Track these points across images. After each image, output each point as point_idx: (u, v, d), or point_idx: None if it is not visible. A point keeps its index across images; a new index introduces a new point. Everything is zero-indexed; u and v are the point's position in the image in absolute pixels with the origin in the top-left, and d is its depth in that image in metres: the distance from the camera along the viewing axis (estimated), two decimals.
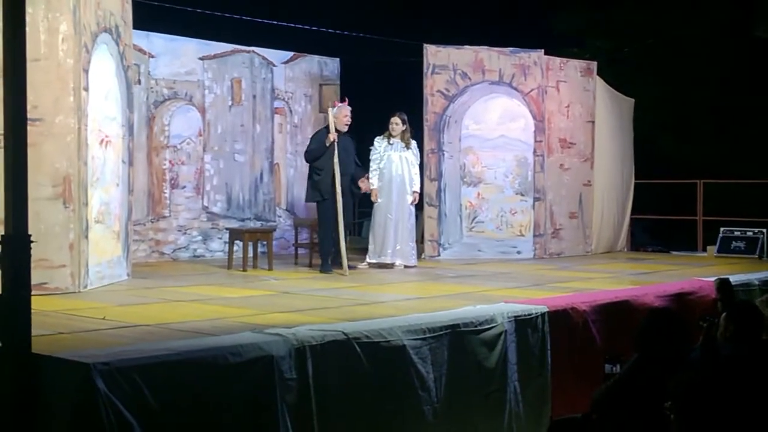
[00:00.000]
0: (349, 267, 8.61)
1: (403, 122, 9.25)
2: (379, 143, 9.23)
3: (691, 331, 4.22)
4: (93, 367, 3.91)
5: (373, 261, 9.20)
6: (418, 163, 9.46)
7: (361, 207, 9.59)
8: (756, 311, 4.39)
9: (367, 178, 9.08)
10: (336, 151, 8.62)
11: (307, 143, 9.20)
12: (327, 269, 8.66)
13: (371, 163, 9.17)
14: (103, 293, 6.93)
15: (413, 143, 9.40)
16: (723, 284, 6.08)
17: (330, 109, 8.98)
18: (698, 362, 4.21)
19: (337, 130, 8.78)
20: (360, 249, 10.15)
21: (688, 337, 4.09)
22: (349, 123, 8.90)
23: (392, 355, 5.04)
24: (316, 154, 8.78)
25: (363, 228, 13.30)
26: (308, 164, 8.95)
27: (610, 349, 5.91)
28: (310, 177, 8.92)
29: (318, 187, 8.75)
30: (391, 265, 9.13)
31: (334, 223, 8.58)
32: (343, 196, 8.61)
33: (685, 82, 11.92)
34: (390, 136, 9.22)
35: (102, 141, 7.63)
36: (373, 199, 9.17)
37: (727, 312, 4.49)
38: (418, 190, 9.42)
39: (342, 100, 9.14)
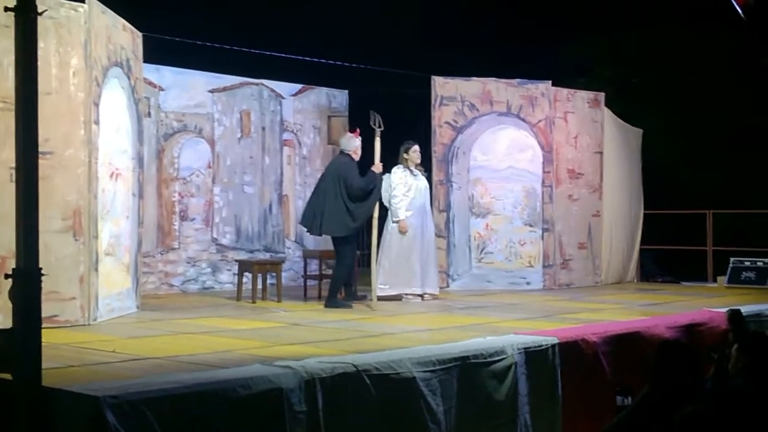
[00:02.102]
0: (364, 298, 8.62)
1: None
2: (402, 174, 9.10)
3: (702, 363, 4.19)
4: (103, 400, 3.91)
5: (394, 293, 8.97)
6: None
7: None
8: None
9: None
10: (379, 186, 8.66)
11: (352, 177, 8.60)
12: (336, 304, 8.50)
13: (394, 194, 8.98)
14: (113, 326, 6.93)
15: (425, 172, 9.49)
16: (735, 315, 6.04)
17: (376, 135, 8.66)
18: (709, 395, 4.18)
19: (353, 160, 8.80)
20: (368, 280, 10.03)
21: (700, 369, 4.07)
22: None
23: (402, 387, 5.02)
24: (373, 187, 8.61)
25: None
26: (345, 196, 8.57)
27: (620, 380, 5.87)
28: (346, 210, 8.55)
29: (358, 220, 8.59)
30: (420, 296, 9.09)
31: (353, 259, 8.53)
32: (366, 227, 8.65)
33: (693, 111, 11.94)
34: (409, 166, 9.19)
35: (112, 174, 7.67)
36: (402, 230, 8.99)
37: (738, 344, 4.46)
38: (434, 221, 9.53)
39: (374, 123, 8.75)
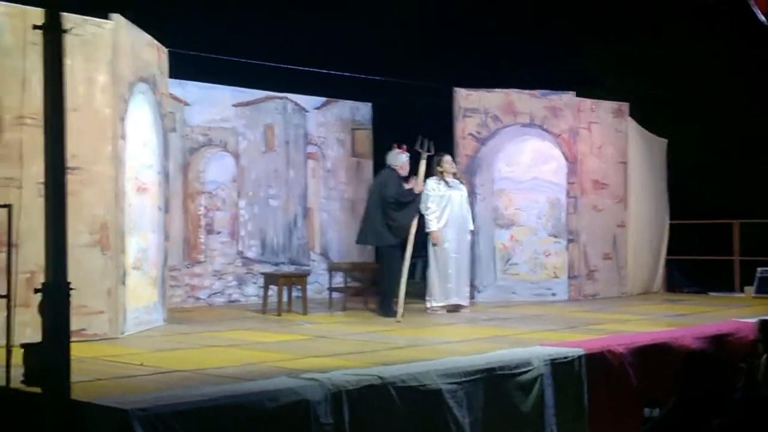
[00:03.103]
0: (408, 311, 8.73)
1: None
2: (437, 185, 9.15)
3: (731, 373, 4.16)
4: (131, 413, 3.94)
5: (438, 305, 9.11)
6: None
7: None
8: None
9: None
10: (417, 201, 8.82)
11: (384, 188, 8.93)
12: (390, 313, 8.58)
13: (428, 206, 9.04)
14: (141, 339, 6.98)
15: (464, 181, 9.55)
16: (765, 325, 5.98)
17: (422, 158, 8.92)
18: (738, 406, 4.15)
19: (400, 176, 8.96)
20: (413, 293, 9.81)
21: (729, 379, 4.04)
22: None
23: (428, 399, 5.02)
24: (407, 199, 8.86)
25: (415, 270, 13.20)
26: (381, 207, 8.88)
27: (648, 392, 5.83)
28: (383, 221, 8.87)
29: (394, 232, 8.82)
30: (457, 307, 9.11)
31: (400, 268, 8.59)
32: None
33: (718, 121, 11.86)
34: (443, 176, 9.21)
35: (139, 188, 7.73)
36: (435, 242, 9.08)
37: None
38: (474, 230, 9.54)
39: (424, 146, 9.01)
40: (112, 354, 6.02)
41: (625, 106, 11.32)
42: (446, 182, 9.19)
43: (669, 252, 12.08)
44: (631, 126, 11.41)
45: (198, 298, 10.24)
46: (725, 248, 11.97)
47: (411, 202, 8.87)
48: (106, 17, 7.21)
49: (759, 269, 11.24)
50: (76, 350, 4.65)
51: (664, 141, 12.11)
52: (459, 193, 9.25)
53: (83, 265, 6.65)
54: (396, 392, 4.87)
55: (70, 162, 6.12)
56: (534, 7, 12.14)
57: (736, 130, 11.73)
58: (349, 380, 4.75)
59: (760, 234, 11.59)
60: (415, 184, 8.91)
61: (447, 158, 9.33)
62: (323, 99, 11.66)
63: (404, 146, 9.12)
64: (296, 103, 11.35)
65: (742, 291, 11.51)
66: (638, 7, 11.84)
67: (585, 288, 10.68)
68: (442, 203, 9.12)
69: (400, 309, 8.49)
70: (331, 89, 11.77)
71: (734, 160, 11.82)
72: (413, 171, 9.02)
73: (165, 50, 8.43)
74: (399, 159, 9.02)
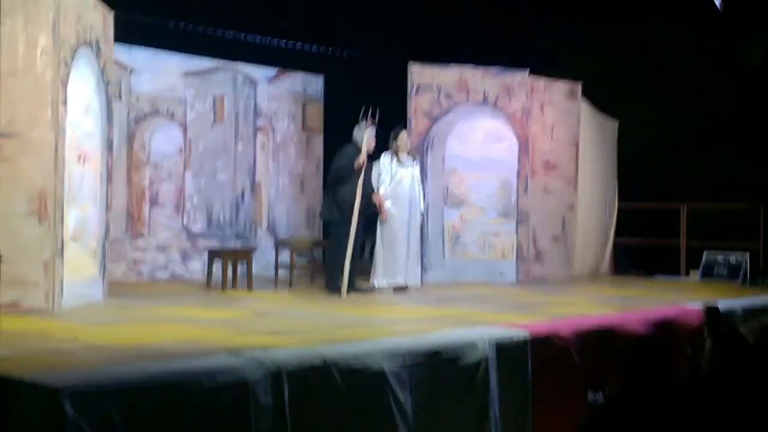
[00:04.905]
0: (358, 289, 8.60)
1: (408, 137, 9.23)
2: (388, 162, 8.98)
3: (676, 358, 4.13)
4: (62, 391, 3.78)
5: (383, 283, 8.96)
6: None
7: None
8: (743, 339, 4.31)
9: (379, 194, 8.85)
10: (362, 175, 8.54)
11: (332, 159, 8.89)
12: (334, 290, 8.45)
13: (380, 182, 8.92)
14: (78, 313, 6.78)
15: (417, 159, 9.35)
16: (710, 310, 5.98)
17: (367, 129, 8.67)
18: (683, 391, 4.12)
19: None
20: (364, 270, 9.88)
21: (673, 364, 4.01)
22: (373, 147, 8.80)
23: (371, 380, 4.93)
24: (344, 173, 8.62)
25: (363, 249, 13.09)
26: (329, 182, 8.81)
27: (592, 375, 5.81)
28: (329, 195, 8.77)
29: (339, 206, 8.62)
30: (404, 288, 8.98)
31: (345, 244, 8.43)
32: (359, 218, 8.54)
33: (671, 104, 11.90)
34: (397, 152, 9.05)
35: (80, 157, 7.50)
36: (382, 218, 8.91)
37: (713, 340, 4.40)
38: (424, 210, 9.39)
39: (372, 115, 8.75)
40: (46, 328, 5.83)
41: (577, 87, 11.28)
42: (398, 159, 9.04)
43: (617, 235, 12.13)
44: (584, 107, 11.39)
45: (140, 273, 10.02)
46: (672, 232, 12.05)
47: (348, 175, 8.57)
48: None
49: (705, 253, 11.33)
50: (10, 323, 4.49)
51: (615, 123, 12.11)
52: (410, 171, 9.10)
53: (19, 235, 6.47)
54: (338, 373, 4.76)
55: (6, 127, 5.94)
56: None
57: (688, 114, 11.78)
58: (291, 359, 4.63)
59: (708, 218, 11.67)
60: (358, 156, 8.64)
61: (403, 134, 9.13)
62: (275, 70, 11.45)
63: (371, 119, 8.78)
64: (247, 75, 11.13)
65: (687, 275, 11.60)
66: None
67: (533, 269, 10.68)
68: (393, 182, 8.97)
69: (344, 286, 8.38)
70: (283, 60, 11.56)
71: (683, 145, 11.88)
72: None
73: (111, 13, 8.16)
74: (359, 133, 8.76)
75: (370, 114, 8.72)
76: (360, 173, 8.57)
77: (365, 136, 8.67)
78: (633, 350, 4.10)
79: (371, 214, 8.97)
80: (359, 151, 8.65)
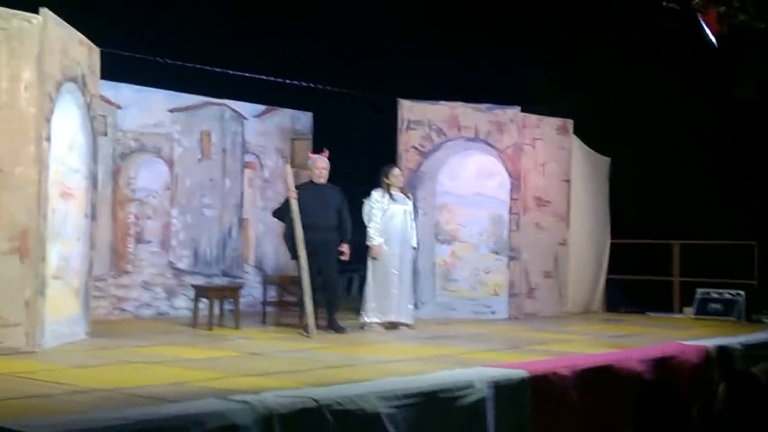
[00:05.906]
0: (338, 327, 8.42)
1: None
2: (381, 198, 8.83)
3: (685, 401, 3.97)
4: None
5: (374, 320, 8.77)
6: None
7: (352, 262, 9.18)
8: (757, 382, 4.15)
9: (349, 243, 8.72)
10: (295, 207, 8.37)
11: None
12: (305, 329, 8.20)
13: (372, 219, 8.77)
14: (60, 353, 6.56)
15: (410, 196, 9.24)
16: (724, 353, 5.78)
17: (288, 165, 8.92)
18: None
19: (313, 182, 8.66)
20: (348, 308, 9.68)
21: (686, 408, 3.85)
22: (324, 173, 8.68)
23: (365, 423, 4.73)
24: (279, 215, 8.73)
25: (351, 284, 12.93)
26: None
27: (591, 415, 5.65)
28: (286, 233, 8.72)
29: (288, 245, 8.58)
30: (396, 325, 8.79)
31: (301, 280, 8.26)
32: (323, 249, 8.38)
33: (661, 141, 11.88)
34: (389, 189, 8.91)
35: (63, 193, 7.33)
36: (374, 256, 8.76)
37: (726, 383, 4.24)
38: (417, 247, 9.22)
39: (320, 152, 8.82)
40: (26, 370, 5.60)
41: (569, 123, 11.23)
42: (391, 195, 8.90)
43: (609, 271, 12.01)
44: (575, 143, 11.33)
45: (124, 310, 9.80)
46: (665, 269, 11.95)
47: (282, 217, 8.65)
48: (36, 12, 6.81)
49: (698, 290, 11.22)
50: None
51: (607, 159, 12.05)
52: (403, 208, 8.96)
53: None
54: (332, 416, 4.57)
55: None
56: (480, 20, 12.02)
57: (679, 152, 11.76)
58: (282, 402, 4.44)
59: (700, 255, 11.59)
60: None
61: (395, 171, 9.04)
62: (263, 107, 11.34)
63: (324, 151, 8.79)
64: (234, 110, 11.00)
65: (681, 312, 11.47)
66: (585, 25, 11.81)
67: (525, 306, 10.53)
68: (385, 218, 8.83)
69: (311, 324, 8.16)
70: (271, 97, 11.46)
71: (676, 182, 11.83)
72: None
73: (97, 50, 8.04)
74: (308, 164, 8.87)
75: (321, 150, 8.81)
76: (288, 207, 8.47)
77: (289, 170, 8.71)
78: (644, 395, 3.95)
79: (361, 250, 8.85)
80: (308, 182, 8.74)
